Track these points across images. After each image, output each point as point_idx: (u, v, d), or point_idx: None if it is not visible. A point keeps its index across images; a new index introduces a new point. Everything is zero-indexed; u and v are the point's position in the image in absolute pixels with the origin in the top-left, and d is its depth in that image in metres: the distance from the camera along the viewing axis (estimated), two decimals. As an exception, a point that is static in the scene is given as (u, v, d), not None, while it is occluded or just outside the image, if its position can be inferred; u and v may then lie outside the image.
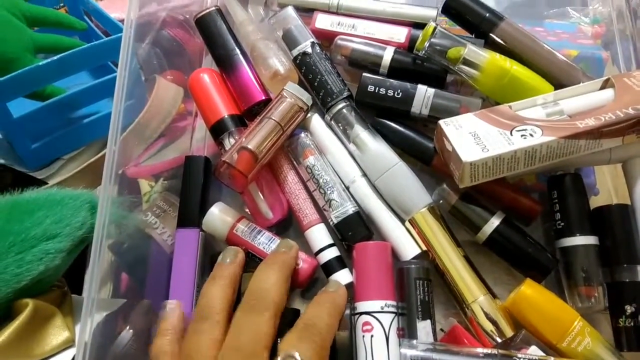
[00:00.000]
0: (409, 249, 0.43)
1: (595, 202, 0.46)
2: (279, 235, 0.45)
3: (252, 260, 0.43)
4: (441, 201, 0.45)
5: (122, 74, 0.45)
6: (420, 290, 0.40)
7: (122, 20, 0.51)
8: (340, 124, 0.47)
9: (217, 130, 0.47)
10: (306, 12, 0.51)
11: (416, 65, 0.47)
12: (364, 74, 0.47)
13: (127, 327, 0.42)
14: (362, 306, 0.39)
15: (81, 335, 0.37)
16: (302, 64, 0.48)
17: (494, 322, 0.41)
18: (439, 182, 0.45)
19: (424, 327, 0.39)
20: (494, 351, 0.38)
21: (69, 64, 0.56)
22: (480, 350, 0.38)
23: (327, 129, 0.48)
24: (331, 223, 0.45)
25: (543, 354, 0.38)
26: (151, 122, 0.52)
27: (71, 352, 0.42)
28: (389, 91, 0.47)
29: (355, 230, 0.44)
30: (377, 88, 0.47)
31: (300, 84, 0.48)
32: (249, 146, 0.43)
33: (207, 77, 0.49)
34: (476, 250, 0.44)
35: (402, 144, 0.47)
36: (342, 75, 0.48)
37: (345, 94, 0.47)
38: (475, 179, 0.41)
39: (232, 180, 0.45)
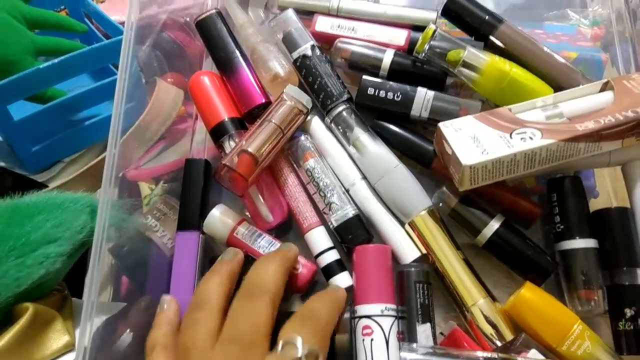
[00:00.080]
0: (409, 252, 0.43)
1: (594, 204, 0.46)
2: (279, 238, 0.45)
3: (251, 264, 0.43)
4: (441, 204, 0.45)
5: (122, 77, 0.45)
6: (420, 294, 0.40)
7: (122, 23, 0.51)
8: (340, 127, 0.47)
9: (217, 133, 0.47)
10: (306, 15, 0.51)
11: (416, 67, 0.47)
12: (364, 77, 0.47)
13: (127, 331, 0.43)
14: (362, 309, 0.39)
15: (80, 340, 0.37)
16: (302, 66, 0.48)
17: (493, 326, 0.41)
18: (439, 185, 0.45)
19: (423, 331, 0.39)
20: (494, 355, 0.38)
21: (70, 66, 0.56)
22: (480, 353, 0.38)
23: (327, 132, 0.48)
24: (331, 226, 0.45)
25: (543, 358, 0.38)
26: (151, 124, 0.52)
27: (71, 356, 0.42)
28: (388, 94, 0.47)
29: (355, 233, 0.44)
30: (377, 91, 0.47)
31: (301, 86, 0.48)
32: (249, 149, 0.43)
33: (207, 79, 0.49)
34: (476, 253, 0.44)
35: (402, 147, 0.47)
36: (342, 77, 0.48)
37: (345, 96, 0.47)
38: (475, 182, 0.41)
39: (233, 184, 0.45)
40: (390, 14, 0.50)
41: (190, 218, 0.45)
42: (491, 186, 0.42)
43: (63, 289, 0.45)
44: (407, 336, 0.39)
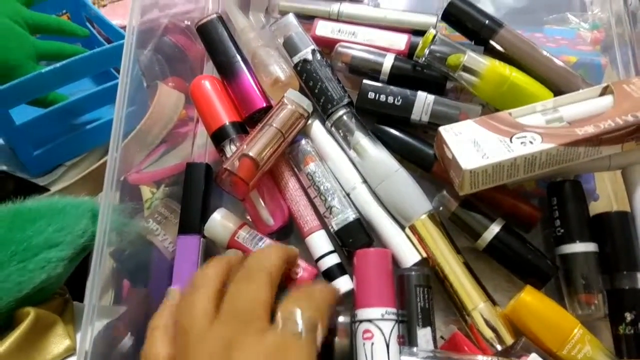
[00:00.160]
0: (409, 256, 0.43)
1: (595, 207, 0.46)
2: (280, 242, 0.45)
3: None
4: (441, 208, 0.45)
5: (124, 81, 0.45)
6: (420, 298, 0.40)
7: (124, 27, 0.51)
8: (340, 131, 0.47)
9: (219, 137, 0.47)
10: (307, 20, 0.51)
11: (416, 72, 0.48)
12: (364, 81, 0.48)
13: (129, 334, 0.43)
14: (362, 313, 0.39)
15: (82, 344, 0.37)
16: (302, 71, 0.48)
17: (494, 329, 0.41)
18: (439, 189, 0.45)
19: (424, 335, 0.39)
20: (495, 358, 0.38)
21: (71, 70, 0.57)
22: (480, 357, 0.38)
23: (327, 136, 0.48)
24: (332, 230, 0.45)
25: (543, 362, 0.38)
26: (153, 128, 0.52)
27: (73, 360, 0.42)
28: (389, 98, 0.47)
29: (355, 237, 0.44)
30: (377, 95, 0.47)
31: (301, 90, 0.48)
32: (250, 153, 0.44)
33: (208, 84, 0.49)
34: (476, 257, 0.44)
35: (402, 151, 0.47)
36: (342, 82, 0.48)
37: (346, 100, 0.47)
38: (475, 186, 0.41)
39: (234, 188, 0.45)
40: (390, 18, 0.51)
41: (192, 222, 0.46)
42: (491, 190, 0.42)
43: (64, 293, 0.46)
44: (407, 340, 0.40)
